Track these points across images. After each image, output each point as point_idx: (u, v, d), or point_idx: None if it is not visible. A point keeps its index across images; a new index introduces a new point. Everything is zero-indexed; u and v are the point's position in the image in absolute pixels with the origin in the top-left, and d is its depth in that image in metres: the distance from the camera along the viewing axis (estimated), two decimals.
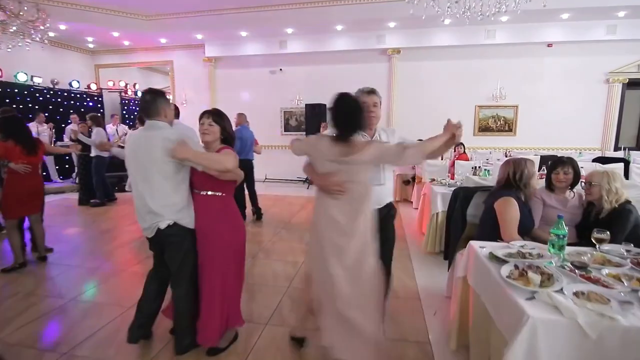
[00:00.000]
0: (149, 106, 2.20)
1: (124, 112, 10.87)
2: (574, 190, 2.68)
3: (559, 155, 7.17)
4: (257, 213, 5.89)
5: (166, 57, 10.03)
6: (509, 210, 2.35)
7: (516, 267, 1.73)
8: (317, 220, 2.04)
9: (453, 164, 6.21)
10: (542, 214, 2.59)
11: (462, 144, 6.72)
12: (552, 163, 2.68)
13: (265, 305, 2.96)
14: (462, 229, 2.92)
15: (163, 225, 2.11)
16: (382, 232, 2.20)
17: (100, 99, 10.22)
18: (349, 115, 1.94)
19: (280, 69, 9.34)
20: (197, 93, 9.93)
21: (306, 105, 8.80)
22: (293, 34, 8.73)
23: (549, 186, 2.66)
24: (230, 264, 2.29)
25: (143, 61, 10.41)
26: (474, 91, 8.55)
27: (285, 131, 9.55)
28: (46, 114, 8.26)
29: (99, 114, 7.35)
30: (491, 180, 3.60)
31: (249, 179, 5.75)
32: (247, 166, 5.52)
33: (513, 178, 2.45)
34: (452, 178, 5.41)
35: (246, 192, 5.90)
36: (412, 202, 6.77)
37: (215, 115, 2.30)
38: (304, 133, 8.89)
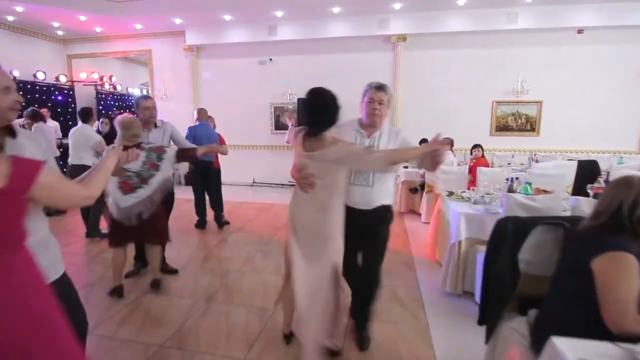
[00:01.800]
0: None
1: (100, 107, 9.82)
2: None
3: (592, 159, 6.15)
4: (218, 221, 5.25)
5: (144, 45, 8.96)
6: (624, 277, 1.27)
7: None
8: (290, 210, 2.09)
9: (471, 171, 5.11)
10: None
11: (479, 145, 5.62)
12: None
13: None
14: (512, 284, 1.84)
15: None
16: (368, 237, 2.22)
17: (71, 92, 9.17)
18: (318, 110, 1.94)
19: (270, 59, 8.25)
20: (179, 86, 8.86)
21: (298, 100, 7.71)
22: (283, 18, 7.64)
23: None
24: None
25: (119, 50, 9.34)
26: (491, 85, 7.43)
27: (275, 129, 8.47)
28: None
29: (74, 108, 6.29)
30: (545, 205, 2.51)
31: (209, 183, 5.21)
32: (205, 169, 5.08)
33: (629, 214, 1.35)
34: (470, 187, 4.34)
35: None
36: (420, 215, 5.68)
37: None
38: None
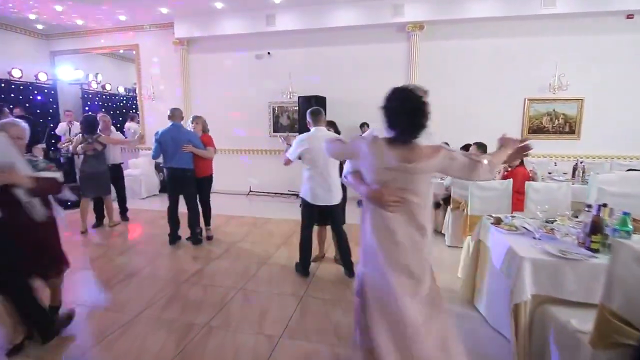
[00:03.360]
0: None
1: (87, 108, 9.01)
2: None
3: None
4: (194, 238, 4.56)
5: (130, 40, 8.13)
6: None
7: None
8: (370, 244, 1.67)
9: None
10: None
11: None
12: None
13: None
14: None
15: None
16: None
17: (53, 92, 8.36)
18: (412, 113, 1.58)
19: (268, 53, 7.33)
20: (168, 85, 7.99)
21: (299, 98, 6.77)
22: (282, 6, 6.72)
23: None
24: None
25: (106, 46, 8.51)
26: (523, 80, 6.40)
27: (274, 131, 7.54)
28: None
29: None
30: None
31: (186, 192, 4.52)
32: (177, 177, 4.41)
33: None
34: (517, 210, 3.35)
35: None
36: (443, 235, 4.68)
37: None
38: (297, 133, 6.86)
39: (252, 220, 5.75)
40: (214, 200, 4.95)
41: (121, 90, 10.65)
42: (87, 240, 4.78)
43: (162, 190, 7.68)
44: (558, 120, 6.39)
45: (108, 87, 9.93)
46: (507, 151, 1.79)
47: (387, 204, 1.59)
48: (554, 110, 6.38)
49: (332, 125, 5.57)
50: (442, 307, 1.65)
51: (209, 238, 4.71)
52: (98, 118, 5.27)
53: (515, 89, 6.44)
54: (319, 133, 3.25)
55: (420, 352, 1.51)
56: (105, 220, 5.36)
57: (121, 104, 10.52)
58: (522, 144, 1.82)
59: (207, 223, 4.77)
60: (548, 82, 6.23)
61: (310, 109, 3.38)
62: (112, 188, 5.37)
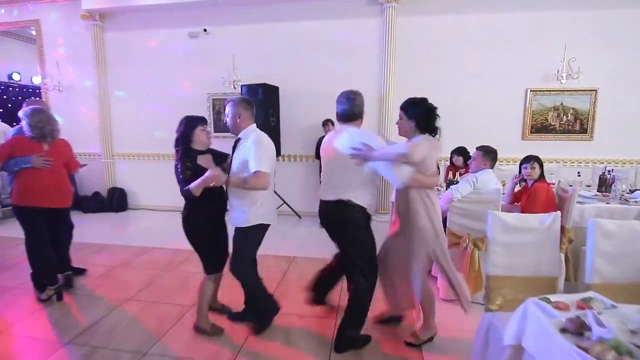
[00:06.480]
0: None
1: None
2: None
3: None
4: (59, 294, 3.04)
5: (28, 14, 6.30)
6: None
7: None
8: (430, 226, 2.15)
9: (520, 204, 2.73)
10: None
11: (534, 158, 3.16)
12: None
13: None
14: None
15: None
16: None
17: None
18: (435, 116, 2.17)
19: (205, 30, 5.72)
20: (79, 72, 6.22)
21: (242, 87, 5.22)
22: None
23: None
24: None
25: (2, 22, 6.64)
26: (524, 66, 5.11)
27: (216, 131, 5.94)
28: None
29: None
30: None
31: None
32: None
33: None
34: None
35: None
36: (434, 279, 3.25)
37: None
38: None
39: (135, 250, 4.16)
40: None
41: (37, 81, 8.69)
42: None
43: None
44: (567, 117, 5.14)
45: (16, 76, 8.01)
46: None
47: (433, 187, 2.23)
48: (561, 103, 5.12)
49: (331, 123, 5.01)
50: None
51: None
52: None
53: (515, 77, 5.14)
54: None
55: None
56: None
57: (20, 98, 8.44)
58: None
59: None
60: (556, 69, 4.95)
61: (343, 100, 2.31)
62: None
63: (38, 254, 2.96)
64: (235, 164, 2.34)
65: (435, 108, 2.17)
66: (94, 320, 2.74)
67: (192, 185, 2.17)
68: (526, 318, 1.40)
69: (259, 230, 2.42)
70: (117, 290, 3.22)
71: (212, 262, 2.47)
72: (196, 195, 2.18)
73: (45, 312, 2.87)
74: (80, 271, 3.51)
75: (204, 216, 2.38)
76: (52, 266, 3.01)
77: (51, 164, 2.89)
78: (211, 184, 2.13)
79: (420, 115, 2.13)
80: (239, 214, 2.36)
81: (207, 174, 2.13)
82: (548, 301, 1.40)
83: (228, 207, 2.46)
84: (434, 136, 2.15)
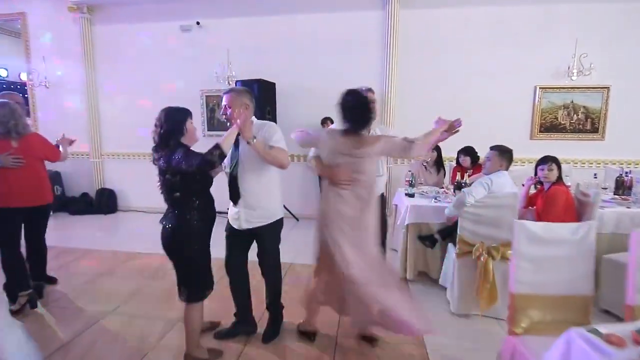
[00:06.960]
0: None
1: None
2: None
3: None
4: (31, 301, 2.79)
5: (14, 7, 6.02)
6: None
7: None
8: (333, 208, 2.03)
9: (536, 211, 2.50)
10: None
11: (552, 159, 2.92)
12: None
13: None
14: None
15: None
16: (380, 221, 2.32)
17: None
18: (361, 110, 2.00)
19: (198, 23, 5.45)
20: (67, 67, 5.94)
21: (237, 83, 4.96)
22: None
23: None
24: None
25: None
26: (532, 62, 4.87)
27: (209, 129, 5.67)
28: None
29: None
30: None
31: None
32: None
33: None
34: None
35: None
36: (445, 290, 3.01)
37: None
38: None
39: (124, 255, 3.90)
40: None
41: (25, 77, 8.40)
42: None
43: None
44: (577, 115, 4.91)
45: (3, 72, 7.71)
46: (439, 130, 2.06)
47: (341, 182, 1.98)
48: (572, 101, 4.89)
49: (331, 121, 4.82)
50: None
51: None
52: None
53: (522, 74, 4.90)
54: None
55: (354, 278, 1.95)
56: None
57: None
58: (453, 121, 2.07)
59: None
60: (566, 65, 4.73)
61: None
62: None
63: (10, 255, 2.71)
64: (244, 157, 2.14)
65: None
66: (72, 336, 2.49)
67: (222, 139, 1.82)
68: (570, 355, 1.16)
69: (281, 225, 2.32)
70: (99, 302, 2.97)
71: (205, 285, 2.05)
72: (226, 154, 1.84)
73: None
74: (52, 280, 3.26)
75: (202, 225, 1.99)
76: (23, 268, 2.77)
77: (22, 162, 2.64)
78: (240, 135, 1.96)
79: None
80: (263, 212, 2.18)
81: (236, 124, 1.89)
82: (597, 333, 1.16)
83: (236, 210, 2.18)
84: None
